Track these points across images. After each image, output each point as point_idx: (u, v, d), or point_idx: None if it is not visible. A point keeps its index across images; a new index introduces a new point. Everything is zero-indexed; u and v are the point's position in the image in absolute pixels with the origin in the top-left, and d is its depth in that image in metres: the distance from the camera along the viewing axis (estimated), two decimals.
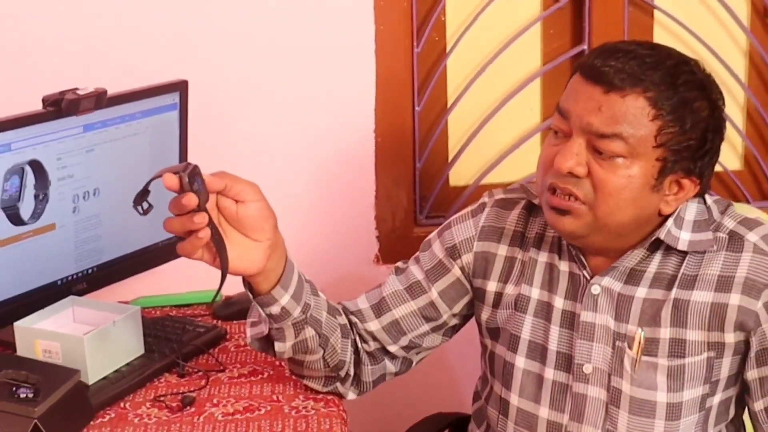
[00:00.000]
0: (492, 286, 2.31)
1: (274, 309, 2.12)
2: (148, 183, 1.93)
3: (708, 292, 2.13)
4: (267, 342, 2.23)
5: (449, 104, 3.16)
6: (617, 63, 2.03)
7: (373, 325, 2.34)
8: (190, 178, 1.88)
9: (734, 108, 3.24)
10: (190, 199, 1.88)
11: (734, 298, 2.12)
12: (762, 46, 3.23)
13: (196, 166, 1.90)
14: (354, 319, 2.34)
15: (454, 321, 2.39)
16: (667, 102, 2.03)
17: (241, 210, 1.99)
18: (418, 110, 3.07)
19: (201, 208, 1.89)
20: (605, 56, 2.06)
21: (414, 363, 2.43)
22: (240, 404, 2.32)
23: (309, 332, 2.18)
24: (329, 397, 2.33)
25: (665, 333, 2.15)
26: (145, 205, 1.94)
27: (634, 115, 2.02)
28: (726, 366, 2.18)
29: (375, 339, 2.34)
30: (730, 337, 2.14)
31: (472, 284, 2.34)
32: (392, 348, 2.35)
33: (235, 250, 2.01)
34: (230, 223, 2.00)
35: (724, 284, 2.13)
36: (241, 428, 2.21)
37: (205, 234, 1.91)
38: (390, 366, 2.39)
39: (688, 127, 2.05)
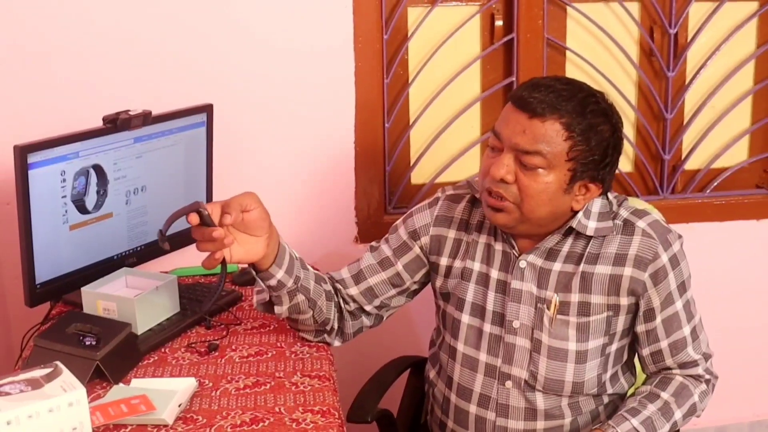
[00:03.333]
0: (444, 261, 2.33)
1: (272, 282, 2.15)
2: (167, 228, 2.03)
3: (607, 266, 2.16)
4: (269, 305, 2.25)
5: (411, 122, 3.15)
6: (540, 95, 2.05)
7: (353, 290, 2.35)
8: (204, 211, 1.98)
9: (626, 124, 3.24)
10: (220, 233, 1.97)
11: (627, 271, 2.14)
12: (647, 77, 3.25)
13: (200, 202, 2.00)
14: (338, 286, 2.35)
15: (415, 287, 2.40)
16: (578, 126, 2.05)
17: (247, 216, 2.02)
18: (388, 126, 3.07)
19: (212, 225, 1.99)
20: (531, 89, 2.08)
21: (384, 318, 2.44)
22: (252, 349, 2.33)
23: (300, 298, 2.20)
24: (320, 344, 2.34)
25: (575, 297, 2.18)
26: (167, 244, 2.05)
27: (551, 136, 2.04)
28: (621, 322, 2.21)
29: (354, 301, 2.36)
30: (624, 300, 2.17)
31: (428, 259, 2.35)
32: (368, 307, 2.36)
33: (243, 247, 2.06)
34: (237, 228, 2.04)
35: (619, 260, 2.15)
36: (253, 368, 2.23)
37: (230, 240, 2.01)
38: (366, 321, 2.40)
39: (593, 145, 2.07)
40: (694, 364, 2.25)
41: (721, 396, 3.51)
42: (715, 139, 3.37)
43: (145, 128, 2.53)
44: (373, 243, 2.42)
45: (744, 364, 3.50)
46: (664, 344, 2.22)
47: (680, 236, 2.21)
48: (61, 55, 2.77)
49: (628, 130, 3.29)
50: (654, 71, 3.28)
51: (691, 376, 2.26)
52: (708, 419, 3.45)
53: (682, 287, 2.20)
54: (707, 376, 2.28)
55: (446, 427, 2.38)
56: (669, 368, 2.26)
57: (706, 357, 2.28)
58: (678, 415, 2.22)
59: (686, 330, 2.22)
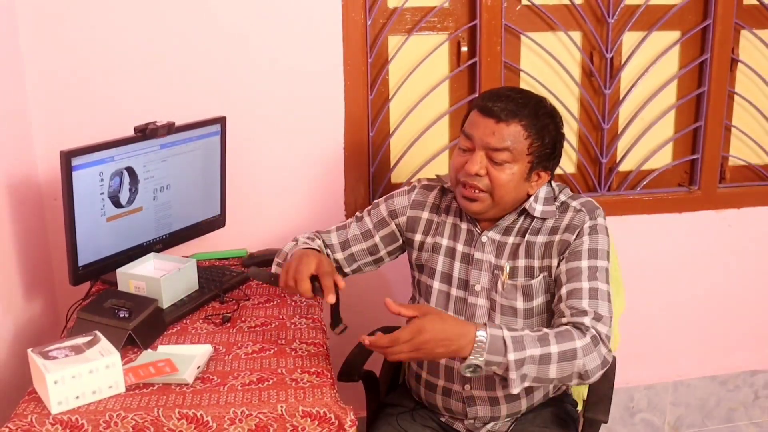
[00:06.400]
0: (418, 237, 2.36)
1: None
2: (337, 312, 2.11)
3: (545, 235, 2.22)
4: (275, 279, 2.26)
5: (391, 131, 3.14)
6: (501, 104, 2.12)
7: (339, 255, 2.39)
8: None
9: (570, 134, 3.26)
10: (332, 300, 2.07)
11: (559, 236, 2.20)
12: (588, 94, 3.25)
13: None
14: (328, 250, 2.39)
15: (387, 258, 2.44)
16: (534, 127, 2.13)
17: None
18: (371, 135, 3.06)
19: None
20: (493, 99, 2.14)
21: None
22: (258, 321, 2.34)
23: None
24: (315, 317, 2.36)
25: (521, 263, 2.22)
26: (341, 327, 2.11)
27: (515, 136, 2.12)
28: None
29: (338, 263, 2.40)
30: (555, 261, 2.20)
31: (404, 236, 2.40)
32: (346, 269, 2.41)
33: None
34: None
35: (555, 230, 2.21)
36: (259, 336, 2.24)
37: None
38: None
39: (546, 141, 2.15)
40: (583, 313, 2.09)
41: (649, 360, 3.52)
42: (644, 146, 3.38)
43: (170, 136, 2.54)
44: (358, 213, 2.46)
45: (668, 333, 3.51)
46: (563, 290, 2.14)
47: (605, 217, 2.23)
48: (100, 75, 2.76)
49: (572, 138, 3.29)
50: (593, 89, 3.28)
51: (576, 324, 2.09)
52: (638, 379, 3.47)
53: (594, 253, 2.16)
54: (593, 332, 2.06)
55: (421, 377, 2.40)
56: (562, 314, 2.13)
57: (598, 317, 2.09)
58: (554, 348, 2.00)
59: (584, 285, 2.13)
